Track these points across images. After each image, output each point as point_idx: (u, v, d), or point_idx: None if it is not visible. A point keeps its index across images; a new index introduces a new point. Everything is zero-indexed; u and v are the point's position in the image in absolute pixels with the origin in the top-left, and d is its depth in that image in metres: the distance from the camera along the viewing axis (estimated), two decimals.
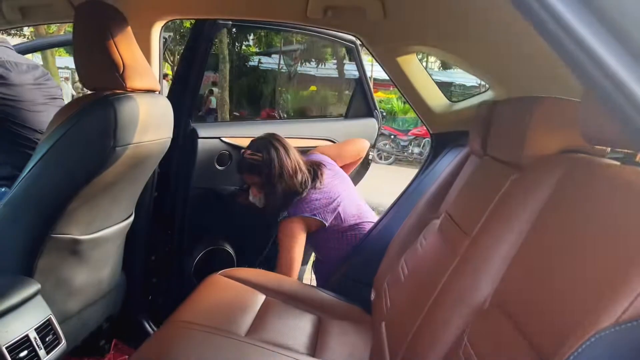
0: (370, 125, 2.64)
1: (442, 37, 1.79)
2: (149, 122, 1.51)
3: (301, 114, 13.40)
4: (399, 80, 1.96)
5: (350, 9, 1.74)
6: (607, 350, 0.59)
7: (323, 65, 14.52)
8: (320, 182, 2.03)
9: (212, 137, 2.21)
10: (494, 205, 1.10)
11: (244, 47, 14.92)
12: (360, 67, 2.56)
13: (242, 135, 2.30)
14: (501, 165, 1.20)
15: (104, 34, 1.40)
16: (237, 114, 12.41)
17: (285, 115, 13.04)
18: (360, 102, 2.62)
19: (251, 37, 14.61)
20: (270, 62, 15.33)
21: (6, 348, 1.22)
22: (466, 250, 1.10)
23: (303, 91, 14.51)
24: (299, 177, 2.01)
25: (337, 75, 14.12)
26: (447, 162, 1.88)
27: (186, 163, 2.17)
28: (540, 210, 0.98)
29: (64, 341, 1.41)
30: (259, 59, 15.11)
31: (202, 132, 2.17)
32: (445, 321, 1.05)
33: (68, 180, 1.40)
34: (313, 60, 14.41)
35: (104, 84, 1.44)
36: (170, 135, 1.72)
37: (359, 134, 2.53)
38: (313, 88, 14.47)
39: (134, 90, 1.47)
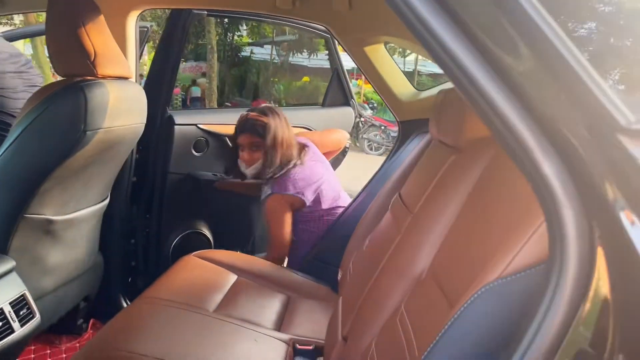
0: (347, 113, 2.71)
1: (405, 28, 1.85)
2: (120, 107, 1.58)
3: (291, 103, 13.45)
4: (367, 70, 2.03)
5: (318, 0, 1.81)
6: (493, 301, 0.66)
7: (315, 56, 14.54)
8: (302, 161, 2.09)
9: (188, 124, 2.28)
10: (434, 185, 1.18)
11: (236, 37, 14.91)
12: (336, 56, 2.62)
13: (218, 122, 2.37)
14: (446, 147, 1.27)
15: (75, 21, 1.46)
16: (229, 104, 12.44)
17: (277, 106, 13.05)
18: (336, 91, 2.69)
19: (244, 27, 14.60)
20: (262, 53, 15.33)
21: None
22: (408, 226, 1.18)
23: (295, 82, 14.53)
24: (293, 150, 2.07)
25: (329, 66, 14.15)
26: (412, 148, 1.96)
27: (163, 149, 2.24)
28: (472, 188, 1.06)
29: (37, 316, 1.48)
30: (251, 50, 15.11)
31: (178, 119, 2.24)
32: (386, 292, 1.13)
33: (40, 162, 1.46)
34: (305, 50, 14.42)
35: (75, 70, 1.51)
36: (143, 121, 1.79)
37: (335, 122, 2.60)
38: (306, 79, 14.50)
39: (105, 77, 1.54)
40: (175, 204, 2.33)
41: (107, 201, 1.85)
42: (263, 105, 2.18)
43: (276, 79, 14.75)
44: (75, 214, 1.66)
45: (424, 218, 1.14)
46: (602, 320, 0.46)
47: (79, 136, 1.45)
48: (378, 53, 2.02)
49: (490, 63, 0.49)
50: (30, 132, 1.43)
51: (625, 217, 0.43)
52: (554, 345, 0.48)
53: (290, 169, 2.06)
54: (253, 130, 2.05)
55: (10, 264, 1.44)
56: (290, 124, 2.33)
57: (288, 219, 2.08)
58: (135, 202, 2.19)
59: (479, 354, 0.66)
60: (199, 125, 2.30)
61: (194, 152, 2.31)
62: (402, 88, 2.09)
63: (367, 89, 13.36)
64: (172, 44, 2.16)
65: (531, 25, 0.46)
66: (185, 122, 2.27)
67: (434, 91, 2.06)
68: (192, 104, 12.62)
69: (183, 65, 17.02)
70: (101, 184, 1.78)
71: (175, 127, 2.22)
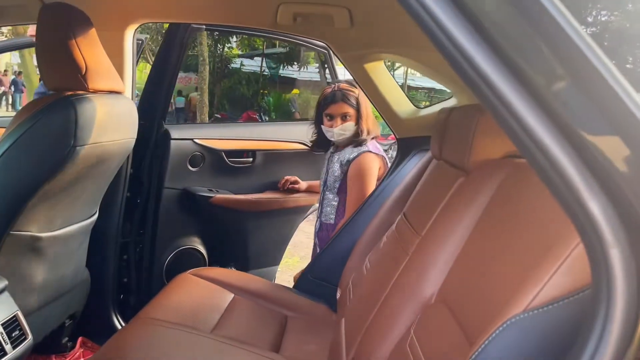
0: None
1: (407, 45, 1.86)
2: (110, 122, 1.55)
3: (282, 116, 13.44)
4: (367, 86, 2.02)
5: (319, 17, 1.80)
6: (519, 335, 0.64)
7: (305, 69, 14.60)
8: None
9: (184, 138, 2.25)
10: (442, 207, 1.16)
11: (226, 49, 14.92)
12: (333, 72, 2.62)
13: (215, 136, 2.34)
14: (452, 168, 1.26)
15: (66, 34, 1.44)
16: (218, 116, 12.41)
17: (267, 118, 13.07)
18: None
19: (234, 39, 14.63)
20: (252, 65, 15.35)
21: None
22: (416, 248, 1.16)
23: (285, 94, 14.56)
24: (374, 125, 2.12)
25: (319, 79, 14.24)
26: (411, 166, 1.95)
27: (159, 164, 2.20)
28: (483, 211, 1.05)
29: (30, 337, 1.43)
30: (241, 62, 15.12)
31: (174, 133, 2.21)
32: (394, 316, 1.11)
33: (28, 178, 1.42)
34: (295, 63, 14.47)
35: (65, 84, 1.48)
36: (134, 136, 1.76)
37: None
38: (295, 91, 14.54)
39: (95, 91, 1.51)
40: (169, 220, 2.29)
41: (95, 217, 1.81)
42: (347, 79, 2.21)
43: (266, 91, 14.77)
44: (62, 231, 1.62)
45: (433, 241, 1.12)
46: None
47: (68, 151, 1.41)
48: (377, 70, 2.01)
49: (526, 86, 0.47)
50: (18, 146, 1.39)
51: None
52: None
53: (374, 139, 2.13)
54: (346, 100, 2.07)
55: (2, 283, 1.39)
56: (286, 139, 2.31)
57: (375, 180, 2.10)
58: (129, 217, 2.14)
59: None
60: (195, 140, 2.27)
61: (189, 167, 2.28)
62: (401, 105, 2.08)
63: None
64: (169, 58, 2.14)
65: (571, 48, 0.45)
66: (182, 137, 2.24)
67: (434, 109, 2.06)
68: (176, 114, 12.66)
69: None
70: (90, 199, 1.74)
71: (171, 141, 2.19)
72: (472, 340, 0.77)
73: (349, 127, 2.06)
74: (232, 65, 15.01)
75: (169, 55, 2.14)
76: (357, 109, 2.06)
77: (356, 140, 2.07)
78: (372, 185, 2.06)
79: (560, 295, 0.61)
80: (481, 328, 0.72)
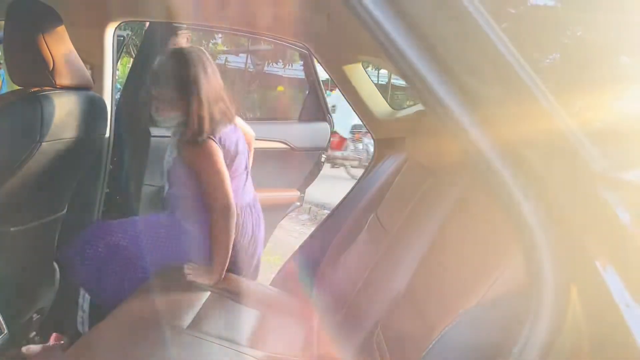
0: (323, 129, 2.73)
1: None
2: (78, 118, 1.56)
3: (266, 114, 13.41)
4: (345, 88, 2.06)
5: (297, 19, 1.83)
6: (472, 326, 0.69)
7: (290, 66, 14.57)
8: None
9: (164, 136, 2.26)
10: (412, 206, 1.21)
11: (211, 45, 14.83)
12: (313, 70, 2.65)
13: None
14: (422, 169, 1.31)
15: (34, 31, 1.45)
16: None
17: (251, 116, 13.03)
18: (313, 106, 2.71)
19: (219, 35, 14.54)
20: (237, 62, 15.27)
21: None
22: (386, 247, 1.20)
23: (270, 91, 14.52)
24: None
25: (304, 77, 14.22)
26: (387, 167, 1.99)
27: (138, 161, 2.21)
28: (450, 211, 1.09)
29: (6, 331, 1.44)
30: (226, 58, 15.04)
31: (154, 131, 2.22)
32: (364, 311, 1.15)
33: None
34: (280, 61, 14.43)
35: (32, 80, 1.49)
36: (104, 132, 1.77)
37: (311, 137, 2.62)
38: (280, 88, 14.49)
39: (63, 87, 1.52)
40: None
41: (63, 213, 1.82)
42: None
43: (251, 88, 14.71)
44: (28, 225, 1.63)
45: (402, 239, 1.16)
46: (575, 352, 0.48)
47: (33, 147, 1.42)
48: (356, 71, 2.05)
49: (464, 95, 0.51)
50: None
51: (600, 262, 0.45)
52: None
53: None
54: None
55: None
56: (267, 138, 2.32)
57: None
58: (108, 214, 2.15)
59: None
60: None
61: None
62: (379, 106, 2.13)
63: None
64: (149, 56, 2.15)
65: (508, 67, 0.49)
66: (162, 134, 2.25)
67: (410, 111, 2.11)
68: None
69: None
70: (56, 196, 1.74)
71: (152, 139, 2.20)
72: (433, 330, 0.81)
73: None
74: (217, 61, 14.93)
75: (149, 53, 2.15)
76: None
77: None
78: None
79: (509, 291, 0.65)
80: (440, 317, 0.76)
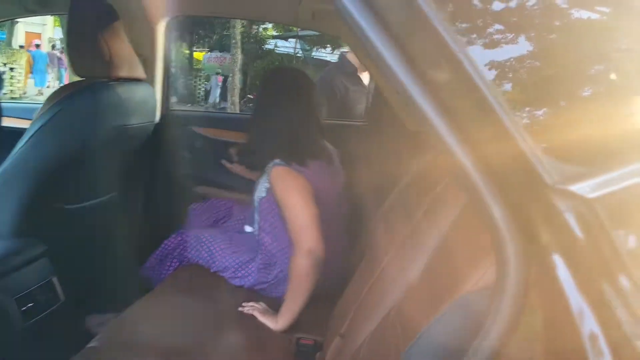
0: None
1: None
2: (132, 107, 1.71)
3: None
4: (378, 80, 2.12)
5: (335, 14, 1.90)
6: (461, 313, 0.77)
7: (338, 52, 14.59)
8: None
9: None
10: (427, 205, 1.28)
11: (261, 29, 15.03)
12: None
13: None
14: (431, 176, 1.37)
15: (94, 27, 1.59)
16: (251, 96, 12.60)
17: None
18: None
19: None
20: (286, 46, 15.43)
21: (15, 299, 1.44)
22: (402, 237, 1.28)
23: (315, 77, 14.60)
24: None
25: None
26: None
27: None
28: (461, 209, 1.16)
29: (63, 299, 1.62)
30: (275, 43, 15.21)
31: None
32: (380, 297, 1.24)
33: (56, 156, 1.58)
34: (328, 45, 14.46)
35: (91, 72, 1.64)
36: (153, 119, 1.91)
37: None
38: None
39: (119, 79, 1.67)
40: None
41: (115, 194, 1.96)
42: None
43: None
44: (83, 204, 1.79)
45: (420, 230, 1.24)
46: (530, 344, 0.55)
47: (92, 133, 1.58)
48: None
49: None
50: (47, 128, 1.55)
51: (555, 260, 0.52)
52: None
53: None
54: None
55: (42, 248, 1.58)
56: None
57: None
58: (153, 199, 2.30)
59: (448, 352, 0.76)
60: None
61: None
62: None
63: None
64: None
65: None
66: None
67: None
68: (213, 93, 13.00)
69: (209, 55, 17.21)
70: (110, 177, 1.89)
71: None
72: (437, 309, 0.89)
73: None
74: (266, 46, 15.12)
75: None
76: None
77: None
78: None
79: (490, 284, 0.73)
80: (442, 300, 0.85)
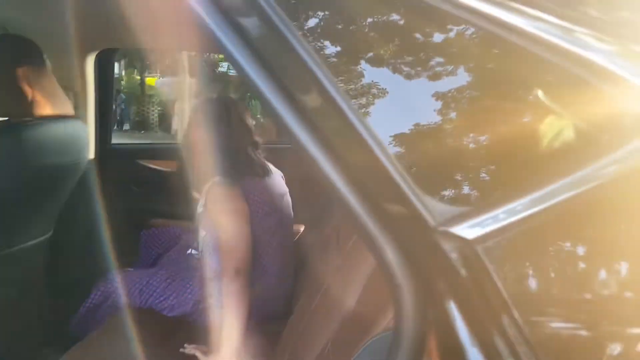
0: None
1: None
2: (57, 146, 1.65)
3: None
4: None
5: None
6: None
7: None
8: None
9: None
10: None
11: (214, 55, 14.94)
12: None
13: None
14: None
15: (13, 66, 1.54)
16: None
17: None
18: None
19: None
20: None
21: None
22: (337, 266, 1.27)
23: None
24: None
25: None
26: None
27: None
28: None
29: None
30: (228, 66, 15.14)
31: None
32: (316, 331, 1.22)
33: None
34: None
35: (12, 111, 1.58)
36: (84, 158, 1.85)
37: None
38: None
39: (43, 117, 1.61)
40: None
41: (48, 235, 1.88)
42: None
43: (251, 94, 14.78)
44: (11, 250, 1.70)
45: (355, 254, 1.22)
46: None
47: (14, 175, 1.51)
48: None
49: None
50: None
51: (449, 306, 0.51)
52: None
53: None
54: None
55: None
56: None
57: None
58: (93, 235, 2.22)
59: None
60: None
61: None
62: None
63: None
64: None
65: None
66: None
67: None
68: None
69: (161, 80, 16.96)
70: (41, 219, 1.82)
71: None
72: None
73: None
74: (219, 70, 15.05)
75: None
76: None
77: None
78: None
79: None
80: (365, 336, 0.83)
